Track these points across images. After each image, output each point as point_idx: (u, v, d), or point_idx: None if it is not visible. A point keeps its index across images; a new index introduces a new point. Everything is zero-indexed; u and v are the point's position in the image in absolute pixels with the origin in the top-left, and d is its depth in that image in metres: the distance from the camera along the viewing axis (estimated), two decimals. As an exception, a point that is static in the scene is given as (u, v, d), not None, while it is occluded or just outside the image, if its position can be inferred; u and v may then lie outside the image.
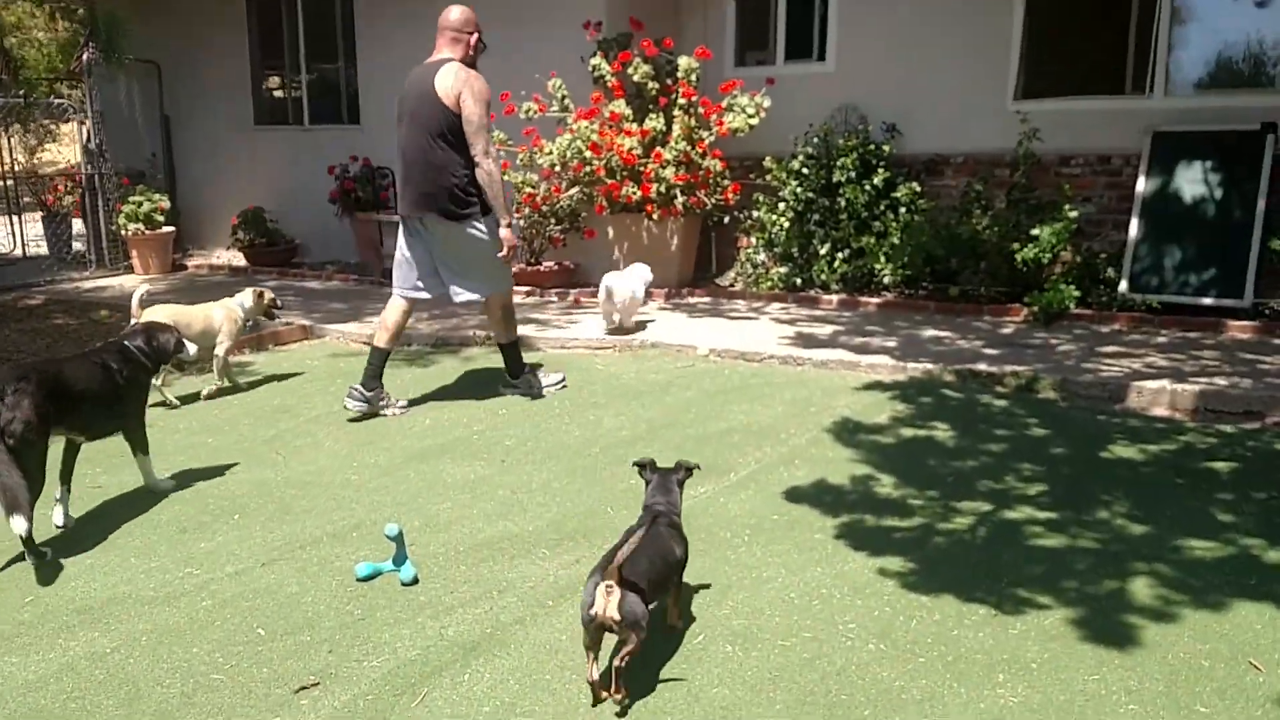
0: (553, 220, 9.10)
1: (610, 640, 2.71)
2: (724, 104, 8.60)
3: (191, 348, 4.64)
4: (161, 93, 12.17)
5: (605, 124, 8.48)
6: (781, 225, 8.65)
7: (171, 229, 11.28)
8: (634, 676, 2.68)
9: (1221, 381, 5.21)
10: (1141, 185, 7.52)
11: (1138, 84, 8.42)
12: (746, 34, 9.75)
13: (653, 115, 8.54)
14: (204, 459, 4.82)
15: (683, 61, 8.54)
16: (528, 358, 6.15)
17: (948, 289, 7.94)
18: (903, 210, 8.32)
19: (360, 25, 10.76)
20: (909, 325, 7.13)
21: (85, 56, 10.85)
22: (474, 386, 5.97)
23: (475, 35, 5.49)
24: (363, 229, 10.43)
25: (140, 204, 10.89)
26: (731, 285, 9.14)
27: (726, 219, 9.07)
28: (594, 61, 8.63)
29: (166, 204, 11.14)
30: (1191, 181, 7.34)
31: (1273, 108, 7.25)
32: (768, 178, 8.78)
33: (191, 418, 5.60)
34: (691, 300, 8.66)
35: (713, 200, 8.73)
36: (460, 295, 5.53)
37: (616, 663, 2.71)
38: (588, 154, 8.40)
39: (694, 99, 8.54)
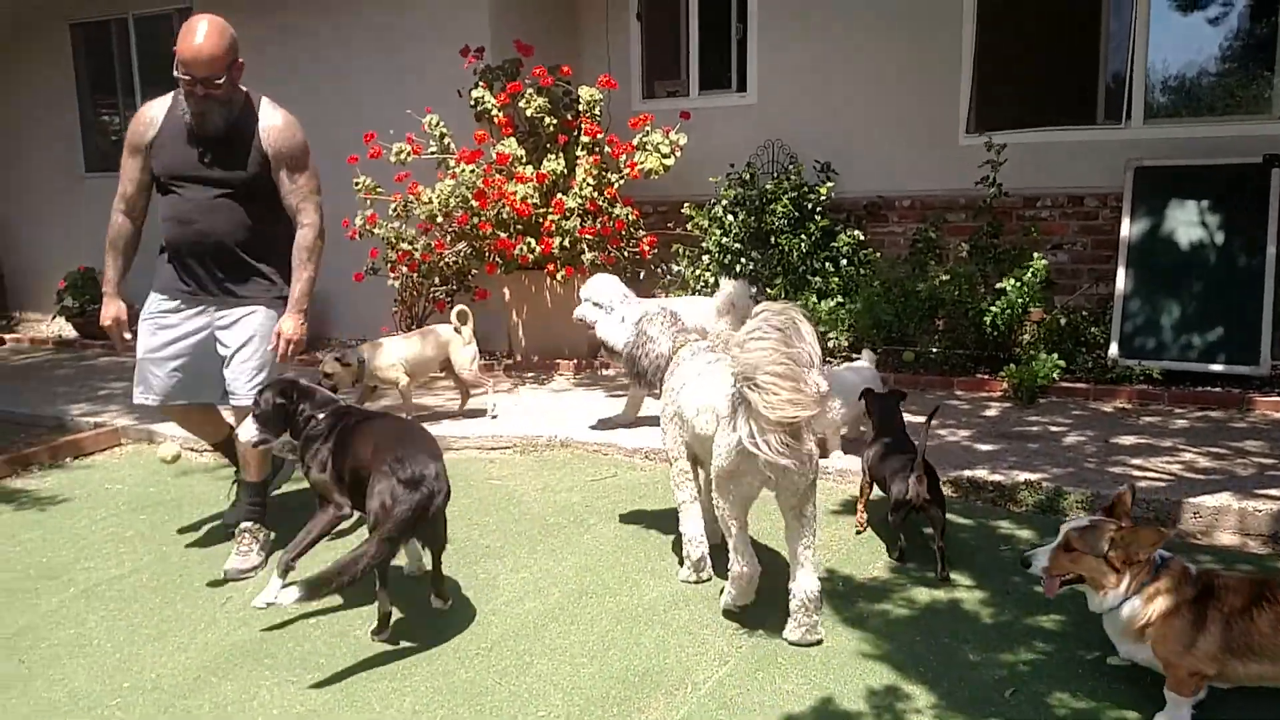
0: (436, 280, 7.65)
1: None
2: (635, 142, 7.28)
3: None
4: (-28, 137, 10.31)
5: (493, 167, 7.07)
6: (707, 281, 7.36)
7: (-24, 298, 9.46)
8: None
9: (1299, 494, 4.06)
10: (1126, 229, 6.46)
11: (1111, 112, 7.42)
12: (654, 61, 8.51)
13: (551, 156, 7.17)
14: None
15: (584, 92, 7.21)
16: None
17: (901, 354, 6.76)
18: (844, 262, 7.14)
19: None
20: (870, 405, 5.87)
21: None
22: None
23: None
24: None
25: (-65, 269, 9.05)
26: (651, 353, 7.79)
27: (642, 274, 7.75)
28: (476, 93, 7.23)
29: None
30: (1186, 224, 6.29)
31: (1273, 136, 6.27)
32: (688, 226, 7.49)
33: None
34: (609, 372, 7.28)
35: (626, 254, 7.40)
36: None
37: (940, 545, 3.59)
38: (474, 204, 6.98)
39: (600, 136, 7.21)
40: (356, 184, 7.28)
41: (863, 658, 3.07)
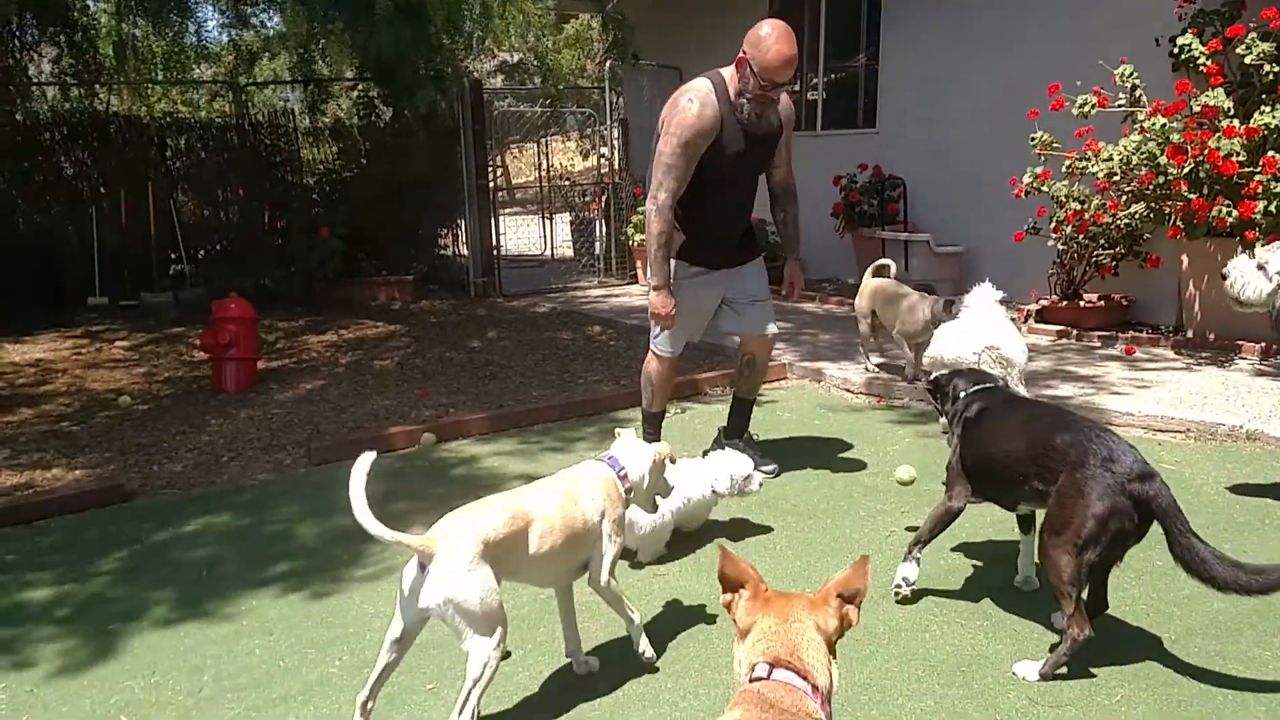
0: (1103, 242, 7.16)
1: None
2: (1389, 88, 6.00)
3: None
4: (682, 99, 12.02)
5: (1195, 120, 6.34)
6: None
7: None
8: None
9: None
10: None
11: None
12: None
13: (1265, 108, 6.22)
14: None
15: (1325, 30, 6.10)
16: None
17: None
18: None
19: (887, 20, 9.53)
20: None
21: (609, 64, 10.97)
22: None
23: (748, 66, 3.95)
24: (863, 246, 9.26)
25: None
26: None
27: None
28: (1182, 40, 6.51)
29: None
30: None
31: None
32: None
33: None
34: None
35: (1355, 223, 6.19)
36: None
37: None
38: (1163, 160, 6.35)
39: (1341, 82, 6.07)
40: (1033, 139, 7.06)
41: None
